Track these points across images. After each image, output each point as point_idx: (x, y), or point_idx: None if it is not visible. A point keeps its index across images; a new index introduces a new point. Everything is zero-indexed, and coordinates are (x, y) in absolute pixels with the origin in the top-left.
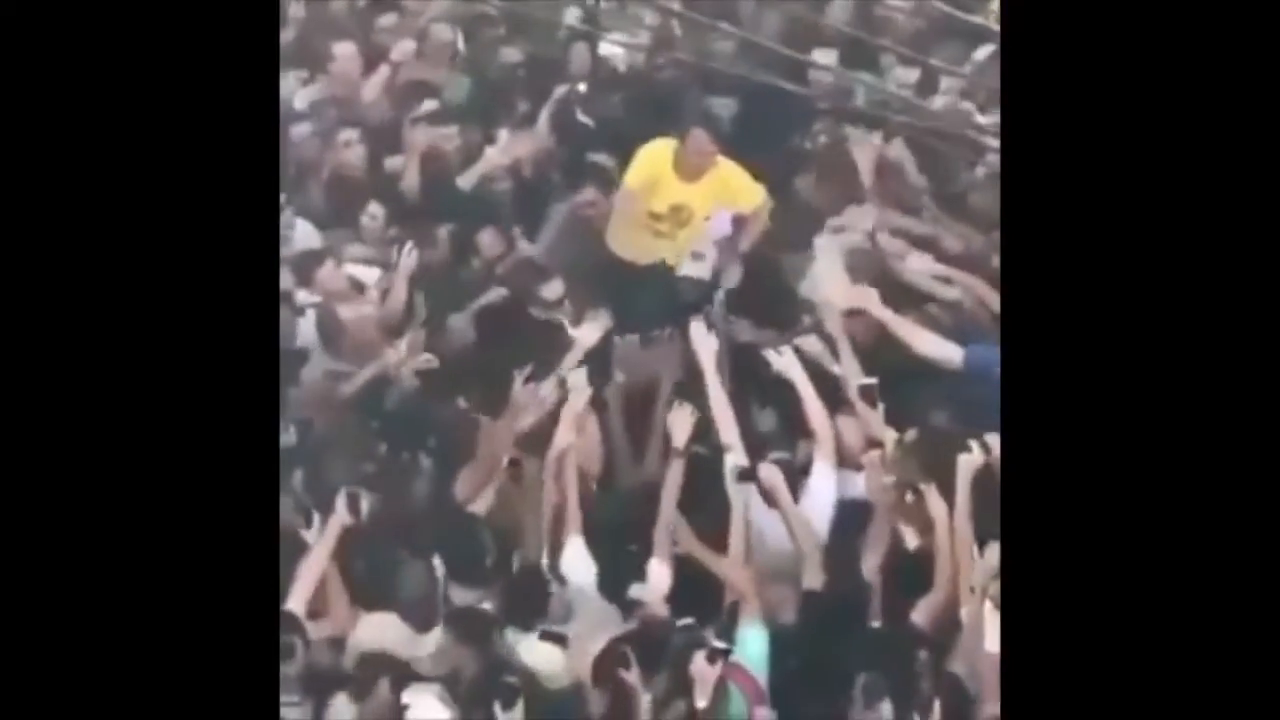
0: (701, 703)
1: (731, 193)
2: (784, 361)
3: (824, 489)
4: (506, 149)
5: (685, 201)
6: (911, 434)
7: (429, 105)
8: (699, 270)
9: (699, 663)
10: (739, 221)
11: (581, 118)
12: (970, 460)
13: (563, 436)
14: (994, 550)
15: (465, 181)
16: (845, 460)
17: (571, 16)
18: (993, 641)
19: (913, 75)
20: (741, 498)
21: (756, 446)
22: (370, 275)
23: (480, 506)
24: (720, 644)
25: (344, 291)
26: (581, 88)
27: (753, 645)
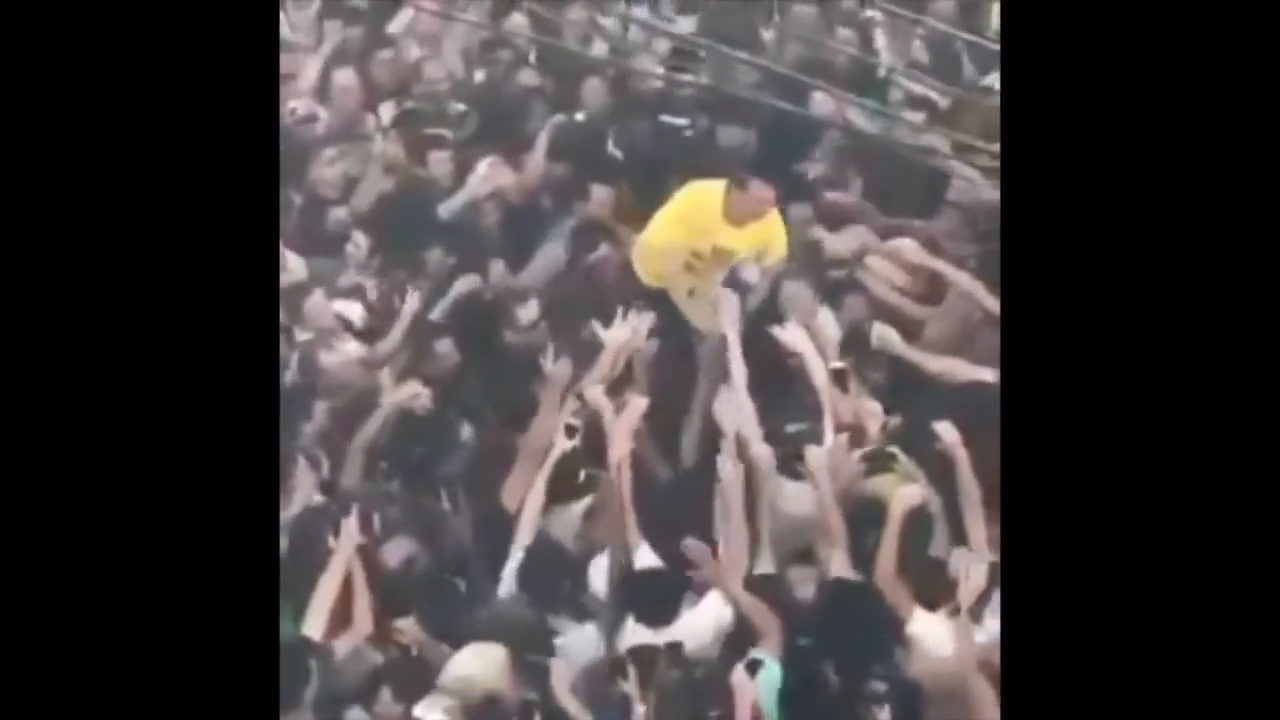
0: (743, 714)
1: (771, 246)
2: (789, 335)
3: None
4: (488, 178)
5: (729, 246)
6: (896, 420)
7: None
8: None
9: (739, 675)
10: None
11: (612, 150)
12: (908, 495)
13: (622, 445)
14: None
15: (446, 210)
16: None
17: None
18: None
19: (921, 100)
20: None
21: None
22: (354, 310)
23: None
24: (758, 655)
25: (331, 329)
26: (579, 117)
27: (766, 680)
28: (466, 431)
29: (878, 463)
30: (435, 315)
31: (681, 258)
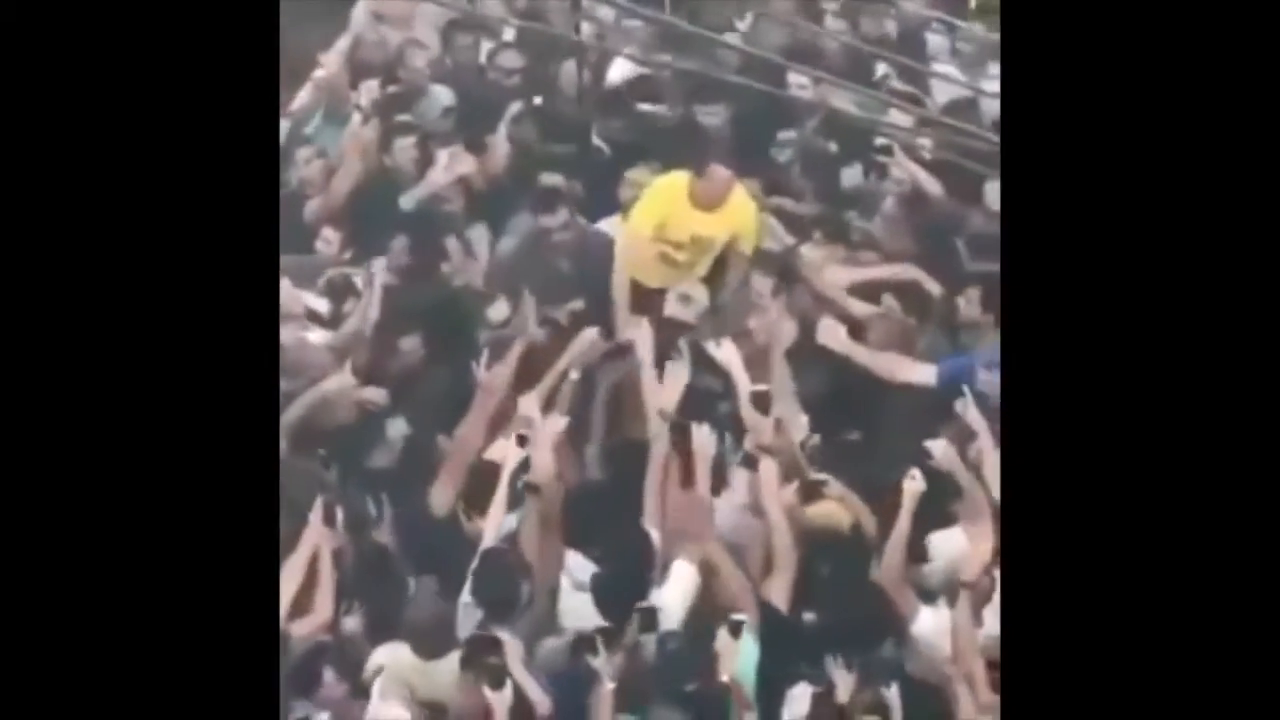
0: (724, 676)
1: (745, 229)
2: (723, 353)
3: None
4: (449, 168)
5: (705, 232)
6: (815, 439)
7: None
8: (684, 313)
9: (723, 638)
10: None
11: (597, 140)
12: (914, 488)
13: (545, 461)
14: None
15: (408, 201)
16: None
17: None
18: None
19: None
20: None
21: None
22: (321, 303)
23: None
24: (738, 617)
25: (297, 316)
26: (537, 100)
27: (745, 656)
28: (401, 428)
29: (810, 490)
30: (373, 308)
31: (655, 251)
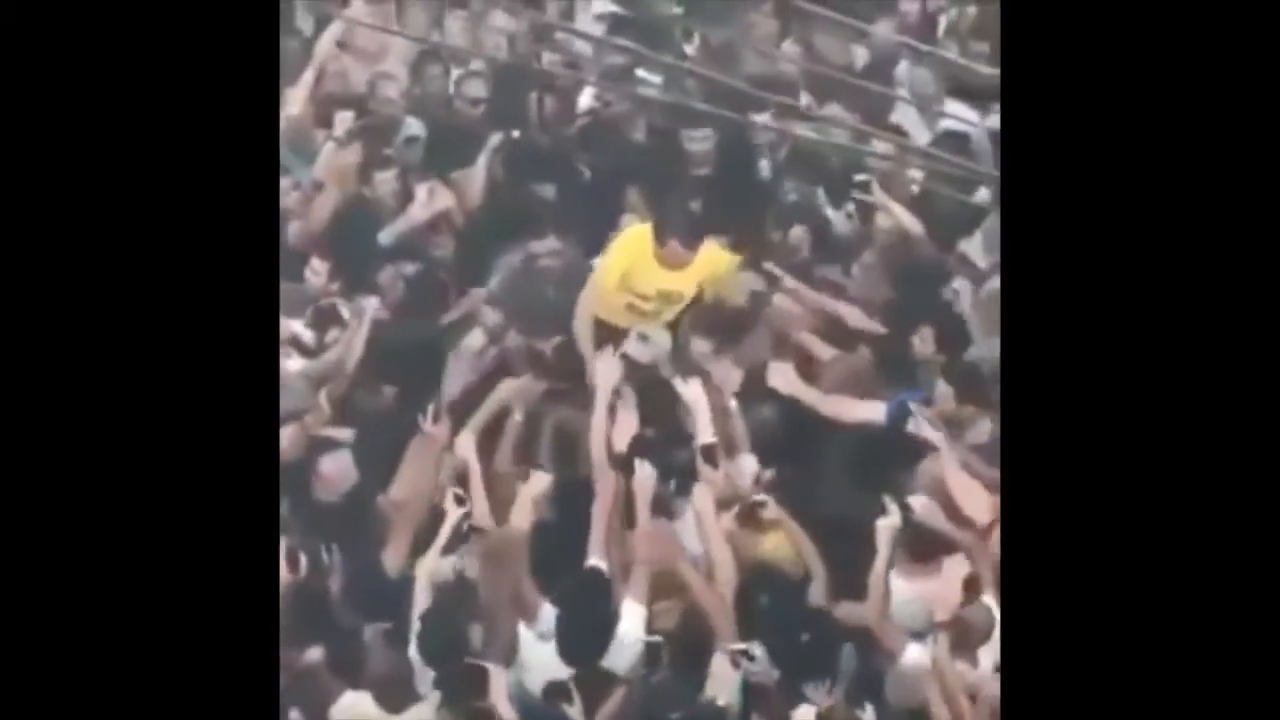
0: (722, 701)
1: (717, 278)
2: (690, 391)
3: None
4: (427, 204)
5: (673, 287)
6: (769, 473)
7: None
8: (641, 354)
9: (723, 665)
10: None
11: (579, 165)
12: (889, 524)
13: (524, 517)
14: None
15: (386, 236)
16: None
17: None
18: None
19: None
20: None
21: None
22: (307, 333)
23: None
24: (739, 646)
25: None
26: (515, 134)
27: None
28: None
29: (747, 516)
30: (359, 342)
31: (623, 300)
